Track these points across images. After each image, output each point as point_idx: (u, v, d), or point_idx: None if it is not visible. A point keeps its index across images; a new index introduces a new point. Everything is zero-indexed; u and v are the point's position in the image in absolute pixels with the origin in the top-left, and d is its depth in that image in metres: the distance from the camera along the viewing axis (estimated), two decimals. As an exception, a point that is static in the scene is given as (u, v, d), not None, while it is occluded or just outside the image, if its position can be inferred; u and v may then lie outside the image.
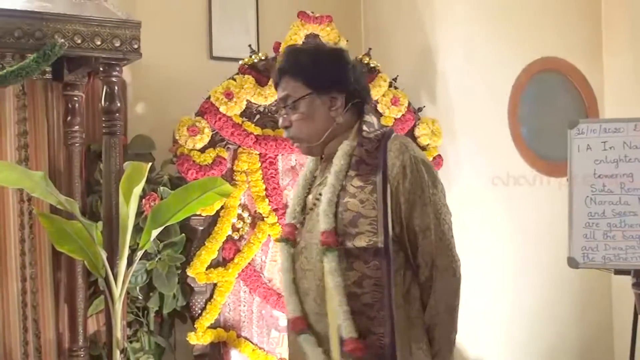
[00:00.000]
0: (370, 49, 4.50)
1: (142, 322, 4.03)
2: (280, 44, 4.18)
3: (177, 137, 3.98)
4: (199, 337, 3.98)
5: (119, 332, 3.48)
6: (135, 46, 3.45)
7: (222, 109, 4.00)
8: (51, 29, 3.24)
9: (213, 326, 4.02)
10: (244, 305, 4.16)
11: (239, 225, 4.10)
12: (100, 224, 3.57)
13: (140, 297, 3.97)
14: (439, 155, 4.39)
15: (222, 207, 4.01)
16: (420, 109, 4.47)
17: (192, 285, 4.02)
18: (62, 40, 3.24)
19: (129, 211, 3.43)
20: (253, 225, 4.16)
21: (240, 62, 4.17)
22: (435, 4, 4.67)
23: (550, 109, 4.71)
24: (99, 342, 4.04)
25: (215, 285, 4.04)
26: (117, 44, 3.41)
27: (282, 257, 2.32)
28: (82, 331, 3.95)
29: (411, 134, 4.37)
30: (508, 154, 4.57)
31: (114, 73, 3.49)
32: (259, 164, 4.12)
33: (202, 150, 3.99)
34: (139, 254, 3.57)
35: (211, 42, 4.76)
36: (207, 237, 4.02)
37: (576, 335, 4.69)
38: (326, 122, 2.23)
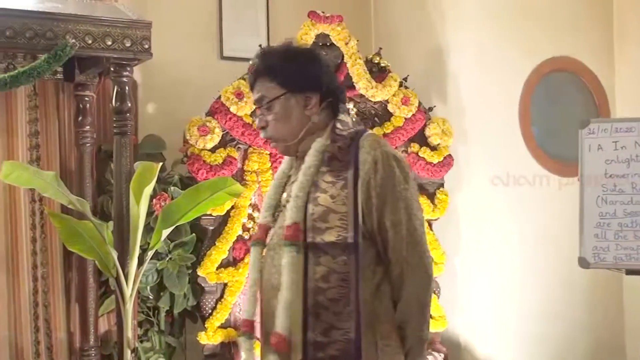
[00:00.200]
0: (380, 48, 4.50)
1: (152, 321, 4.04)
2: (290, 44, 4.18)
3: (187, 137, 3.99)
4: (210, 337, 3.98)
5: (129, 331, 3.48)
6: (146, 46, 3.46)
7: (232, 108, 4.00)
8: (62, 29, 3.25)
9: (223, 326, 4.03)
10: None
11: (250, 225, 4.11)
12: (111, 223, 3.58)
13: (151, 297, 3.97)
14: (450, 155, 4.38)
15: (232, 207, 4.01)
16: (430, 109, 4.46)
17: (203, 285, 4.02)
18: (73, 40, 3.25)
19: (139, 211, 3.44)
20: (263, 225, 4.16)
21: (251, 62, 4.16)
22: (445, 4, 4.67)
23: (561, 109, 4.70)
24: (110, 342, 4.05)
25: (225, 285, 4.04)
26: (128, 44, 3.42)
27: (251, 257, 2.33)
28: (93, 331, 3.96)
29: (422, 134, 4.37)
30: (519, 153, 4.56)
31: (125, 73, 3.50)
32: (270, 164, 4.12)
33: (213, 150, 4.00)
34: (150, 253, 3.58)
35: (222, 42, 4.77)
36: (218, 237, 4.02)
37: (587, 336, 4.67)
38: (302, 121, 2.25)
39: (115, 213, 3.53)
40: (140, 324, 3.97)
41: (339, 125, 2.26)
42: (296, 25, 4.22)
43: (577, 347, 4.65)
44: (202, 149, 3.97)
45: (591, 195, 3.64)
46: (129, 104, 3.52)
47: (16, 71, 3.16)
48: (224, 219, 4.04)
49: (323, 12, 4.20)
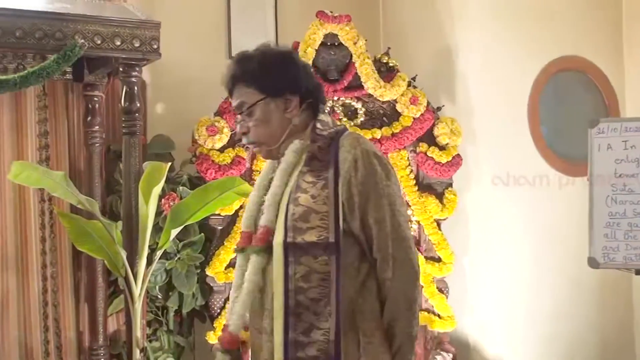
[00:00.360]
0: (389, 48, 4.49)
1: (161, 321, 4.04)
2: (299, 43, 4.18)
3: (196, 137, 3.99)
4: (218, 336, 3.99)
5: (138, 331, 3.49)
6: (155, 46, 3.47)
7: (241, 108, 4.00)
8: (71, 29, 3.26)
9: (232, 325, 4.02)
10: (263, 305, 4.16)
11: (258, 224, 4.10)
12: (120, 223, 3.59)
13: (159, 297, 3.98)
14: (458, 155, 4.37)
15: (241, 207, 4.01)
16: (439, 108, 4.46)
17: (211, 284, 4.03)
18: (83, 41, 3.26)
19: (148, 211, 3.45)
20: (272, 224, 4.16)
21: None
22: (454, 3, 4.65)
23: (570, 108, 4.68)
24: (119, 341, 4.06)
25: (234, 284, 4.04)
26: (137, 45, 3.42)
27: (237, 263, 2.31)
28: (102, 330, 3.97)
29: (430, 133, 4.36)
30: (528, 153, 4.55)
31: (134, 73, 3.51)
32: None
33: (221, 150, 4.00)
34: (159, 253, 3.58)
35: (230, 42, 4.77)
36: (226, 237, 4.03)
37: (596, 335, 4.66)
38: (283, 125, 2.24)
39: (124, 213, 3.54)
40: (149, 324, 3.98)
41: (318, 125, 2.26)
42: (304, 25, 4.22)
43: (586, 346, 4.63)
44: (210, 149, 3.98)
45: (601, 195, 3.62)
46: (138, 104, 3.53)
47: (26, 71, 3.17)
48: (233, 219, 4.04)
49: (331, 12, 4.20)
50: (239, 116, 2.29)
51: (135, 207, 3.49)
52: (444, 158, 4.30)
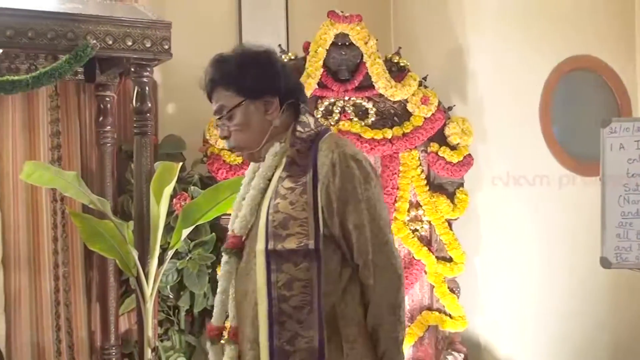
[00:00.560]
0: (400, 48, 4.48)
1: (173, 320, 4.05)
2: (309, 43, 4.18)
3: (207, 137, 4.00)
4: (229, 336, 3.99)
5: (150, 330, 3.50)
6: (166, 47, 3.48)
7: (252, 108, 4.01)
8: (83, 30, 3.28)
9: (243, 325, 4.03)
10: (274, 305, 4.16)
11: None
12: (131, 223, 3.60)
13: (171, 296, 3.99)
14: (469, 155, 4.35)
15: (252, 207, 4.01)
16: (450, 108, 4.44)
17: (223, 284, 4.02)
18: (94, 41, 3.27)
19: (159, 211, 3.46)
20: (283, 224, 4.16)
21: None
22: (465, 3, 4.64)
23: (582, 108, 4.66)
24: (131, 341, 4.07)
25: (245, 284, 4.04)
26: (148, 45, 3.43)
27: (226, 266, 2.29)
28: (114, 329, 3.99)
29: (441, 133, 4.35)
30: (539, 153, 4.53)
31: (145, 73, 3.52)
32: (288, 164, 4.12)
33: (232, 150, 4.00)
34: (170, 253, 3.59)
35: (241, 43, 4.76)
36: (237, 237, 4.02)
37: (607, 335, 4.64)
38: (263, 127, 2.20)
39: (135, 213, 3.55)
40: (160, 323, 3.99)
41: (298, 127, 2.20)
42: (315, 25, 4.22)
43: (597, 346, 4.61)
44: (221, 149, 3.98)
45: (613, 195, 3.61)
46: (149, 104, 3.54)
47: (38, 72, 3.19)
48: (244, 219, 4.03)
49: (342, 12, 4.20)
50: (219, 120, 2.25)
51: (147, 207, 3.50)
52: (455, 158, 4.29)
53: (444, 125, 4.35)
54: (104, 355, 3.98)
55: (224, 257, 2.24)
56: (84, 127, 4.03)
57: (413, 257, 4.32)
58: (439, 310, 4.33)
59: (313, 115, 2.28)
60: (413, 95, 4.30)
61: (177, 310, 4.06)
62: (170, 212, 3.64)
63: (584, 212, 4.30)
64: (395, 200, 4.27)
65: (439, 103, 4.35)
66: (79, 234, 3.78)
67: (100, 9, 3.52)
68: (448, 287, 4.32)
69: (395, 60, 4.36)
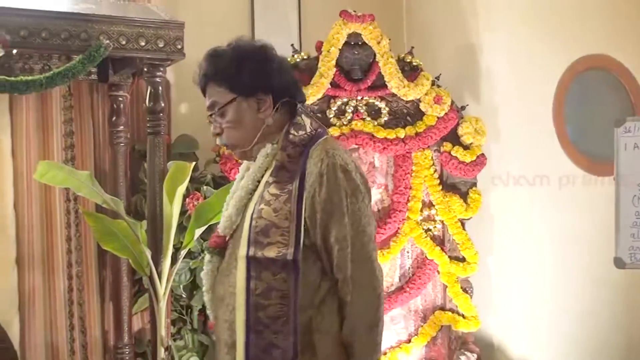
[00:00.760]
0: (412, 47, 4.48)
1: (185, 320, 4.06)
2: (322, 43, 4.18)
3: (220, 137, 4.00)
4: (242, 336, 3.99)
5: (163, 330, 3.51)
6: (179, 46, 3.48)
7: (264, 108, 4.01)
8: (96, 30, 3.29)
9: (256, 325, 4.03)
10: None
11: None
12: (144, 223, 3.61)
13: (184, 296, 4.00)
14: (482, 154, 4.34)
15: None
16: (463, 108, 4.43)
17: (235, 283, 4.03)
18: (107, 41, 3.28)
19: (172, 210, 3.46)
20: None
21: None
22: (478, 2, 4.63)
23: (596, 107, 4.64)
24: (144, 340, 4.08)
25: (257, 284, 4.04)
26: (161, 45, 3.44)
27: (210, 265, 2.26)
28: (127, 329, 4.00)
29: (454, 133, 4.34)
30: (553, 153, 4.51)
31: (158, 73, 3.53)
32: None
33: (245, 149, 4.00)
34: (183, 252, 3.60)
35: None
36: (250, 236, 4.02)
37: (621, 337, 4.62)
38: (256, 125, 2.15)
39: (148, 212, 3.56)
40: (173, 323, 4.00)
41: (292, 129, 2.14)
42: (328, 25, 4.22)
43: (611, 347, 4.59)
44: (234, 149, 3.98)
45: (627, 195, 3.60)
46: (162, 104, 3.55)
47: (51, 72, 3.20)
48: (256, 218, 4.03)
49: (355, 12, 4.19)
50: (211, 116, 2.21)
51: (160, 207, 3.51)
52: (468, 157, 4.28)
53: (457, 124, 4.34)
54: (117, 354, 3.99)
55: (207, 256, 2.21)
56: (97, 127, 4.04)
57: (426, 256, 4.31)
58: (452, 310, 4.32)
59: (310, 117, 2.22)
60: (426, 94, 4.29)
61: (189, 310, 4.06)
62: (183, 212, 3.64)
63: (598, 212, 4.28)
64: (408, 200, 4.26)
65: (452, 102, 4.34)
66: (93, 233, 3.79)
67: (113, 9, 3.53)
68: (461, 287, 4.31)
69: (408, 60, 4.35)
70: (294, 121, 2.17)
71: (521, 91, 4.46)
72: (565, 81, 4.54)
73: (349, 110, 4.20)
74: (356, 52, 4.20)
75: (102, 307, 4.03)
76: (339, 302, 2.08)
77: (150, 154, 3.55)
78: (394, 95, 4.28)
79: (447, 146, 4.32)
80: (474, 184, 4.37)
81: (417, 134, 4.25)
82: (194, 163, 3.64)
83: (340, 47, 4.17)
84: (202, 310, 4.08)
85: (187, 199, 3.71)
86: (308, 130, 2.15)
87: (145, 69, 3.52)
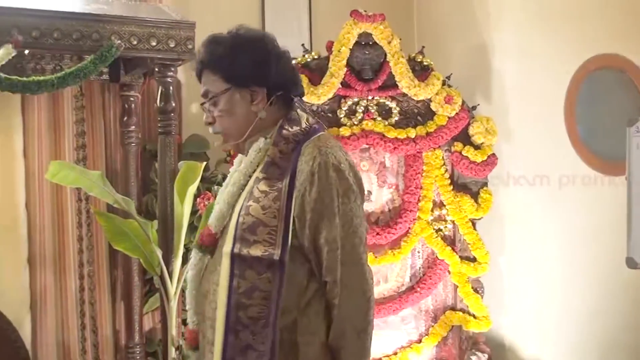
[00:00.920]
0: (423, 47, 4.47)
1: (196, 319, 4.06)
2: (333, 43, 4.18)
3: (230, 137, 4.00)
4: (253, 335, 3.99)
5: (174, 329, 3.52)
6: (190, 47, 3.48)
7: (274, 108, 4.01)
8: (108, 30, 3.29)
9: (266, 324, 4.03)
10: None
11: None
12: (155, 222, 3.62)
13: (194, 295, 4.00)
14: (493, 154, 4.33)
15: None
16: (474, 107, 4.42)
17: (246, 283, 4.03)
18: (119, 41, 3.29)
19: (183, 210, 3.47)
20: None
21: (293, 61, 4.18)
22: (489, 1, 4.62)
23: (608, 107, 4.62)
24: (155, 339, 4.09)
25: (268, 283, 4.04)
26: (172, 45, 3.45)
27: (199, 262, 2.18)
28: (138, 328, 4.01)
29: (465, 133, 4.33)
30: (564, 152, 4.50)
31: (169, 73, 3.53)
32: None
33: (255, 149, 4.01)
34: (194, 252, 3.60)
35: (264, 42, 4.78)
36: (261, 236, 4.02)
37: (632, 337, 4.59)
38: (248, 118, 2.08)
39: (159, 212, 3.57)
40: (184, 322, 4.00)
41: (286, 124, 2.07)
42: (338, 25, 4.22)
43: (623, 347, 4.57)
44: (245, 149, 3.98)
45: (639, 194, 3.57)
46: (173, 104, 3.55)
47: (63, 72, 3.21)
48: (267, 218, 4.03)
49: (365, 11, 4.19)
50: (203, 105, 2.15)
51: (171, 207, 3.51)
52: (479, 157, 4.27)
53: (468, 124, 4.33)
54: (129, 353, 4.00)
55: (195, 255, 2.14)
56: (108, 127, 4.06)
57: (436, 256, 4.31)
58: (463, 310, 4.31)
59: (307, 112, 2.17)
60: (437, 94, 4.28)
61: (200, 309, 4.06)
62: (194, 212, 3.65)
63: (609, 212, 4.26)
64: (419, 200, 4.25)
65: (463, 102, 4.33)
66: (104, 233, 3.81)
67: (124, 9, 3.54)
68: (472, 287, 4.30)
69: (419, 60, 4.34)
70: (288, 116, 2.10)
71: (532, 91, 4.45)
72: (576, 81, 4.52)
73: (360, 110, 4.20)
74: (367, 52, 4.20)
75: (113, 307, 4.04)
76: (327, 305, 2.01)
77: (161, 153, 3.56)
78: (404, 95, 4.27)
79: (458, 146, 4.31)
80: (485, 184, 4.36)
81: (427, 133, 4.24)
82: (204, 163, 3.65)
83: (351, 47, 4.17)
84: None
85: (198, 199, 3.72)
86: (303, 125, 2.09)
87: (157, 69, 3.52)
